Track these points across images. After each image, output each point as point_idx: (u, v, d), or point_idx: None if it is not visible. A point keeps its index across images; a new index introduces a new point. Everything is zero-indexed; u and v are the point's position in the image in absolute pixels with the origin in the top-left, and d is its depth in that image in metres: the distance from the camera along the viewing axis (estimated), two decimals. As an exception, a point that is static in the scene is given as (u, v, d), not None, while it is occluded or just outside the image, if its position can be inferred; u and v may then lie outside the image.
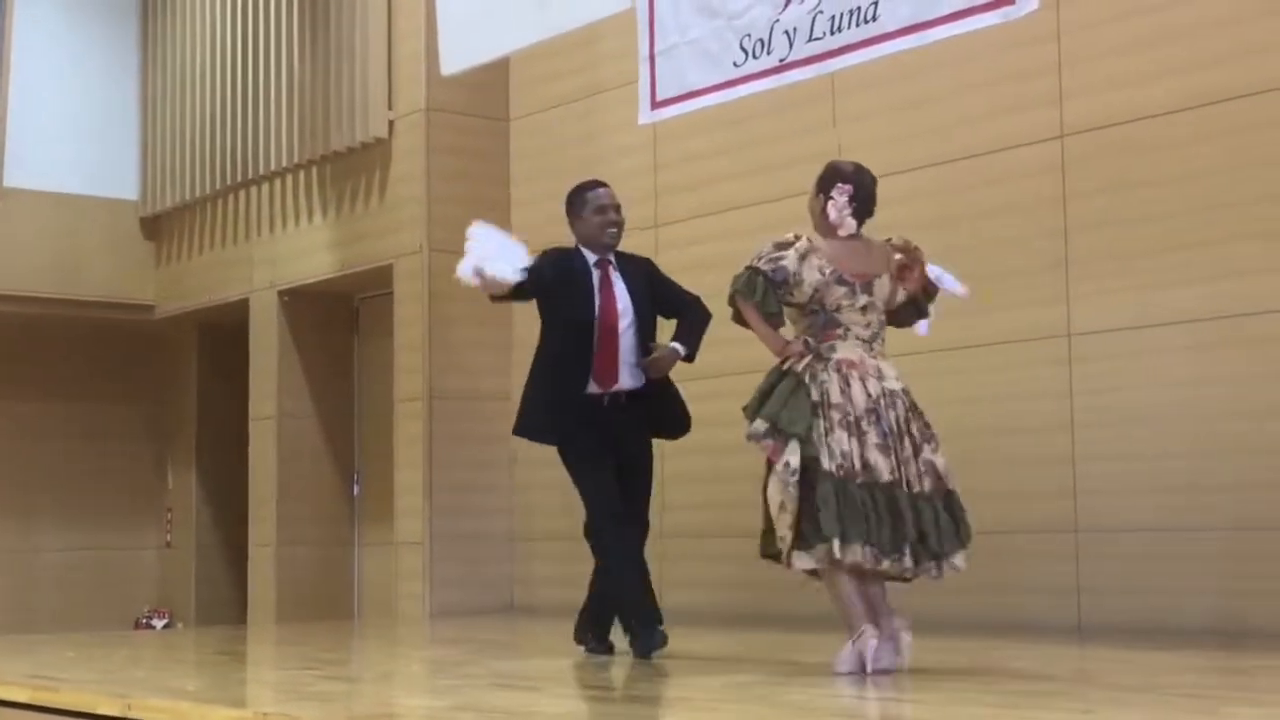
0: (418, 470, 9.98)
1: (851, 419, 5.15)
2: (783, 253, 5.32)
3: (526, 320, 9.56)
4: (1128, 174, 7.26)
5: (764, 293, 5.32)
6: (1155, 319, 7.12)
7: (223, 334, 12.42)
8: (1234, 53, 6.94)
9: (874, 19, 6.37)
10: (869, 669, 5.08)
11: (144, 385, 13.22)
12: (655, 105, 7.38)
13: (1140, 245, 7.18)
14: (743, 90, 7.04)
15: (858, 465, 5.11)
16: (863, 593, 5.18)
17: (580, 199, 6.47)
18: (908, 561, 5.13)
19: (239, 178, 11.62)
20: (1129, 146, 7.26)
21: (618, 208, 6.47)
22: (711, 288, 9.05)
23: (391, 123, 10.39)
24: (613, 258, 6.43)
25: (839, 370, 5.23)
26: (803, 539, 5.12)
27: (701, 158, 9.11)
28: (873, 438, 5.15)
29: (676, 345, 6.34)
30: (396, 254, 10.31)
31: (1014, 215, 7.71)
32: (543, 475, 9.21)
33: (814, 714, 4.45)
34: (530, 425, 6.43)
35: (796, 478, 5.10)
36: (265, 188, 11.53)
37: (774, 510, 5.20)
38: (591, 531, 6.26)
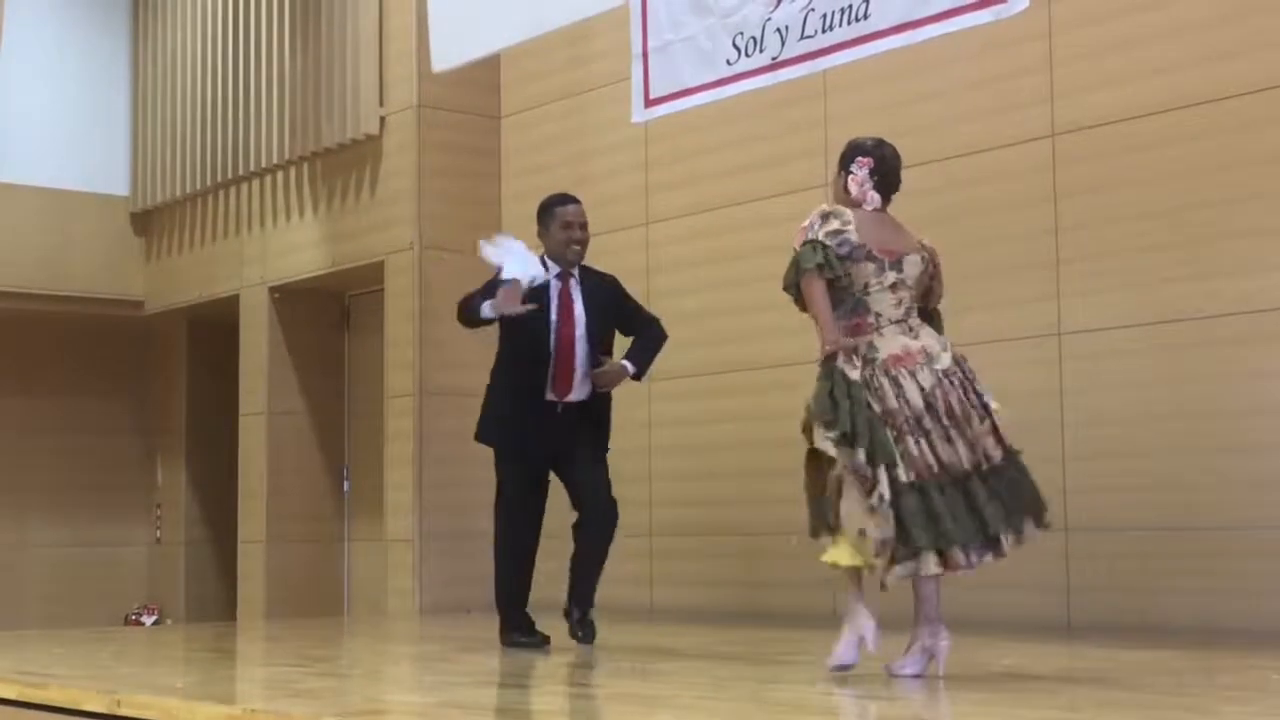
0: (408, 467, 9.97)
1: (912, 420, 4.93)
2: (839, 224, 5.04)
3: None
4: (1118, 173, 7.27)
5: (830, 264, 5.00)
6: (1145, 318, 7.13)
7: (213, 330, 12.40)
8: (1223, 52, 6.95)
9: (865, 17, 6.38)
10: (871, 647, 4.99)
11: (134, 381, 13.20)
12: (649, 103, 7.38)
13: (1130, 244, 7.20)
14: (735, 88, 7.05)
15: (934, 467, 4.92)
16: (917, 593, 5.02)
17: (549, 213, 6.59)
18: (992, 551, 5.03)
19: (230, 173, 11.60)
20: (1119, 145, 7.27)
21: (584, 225, 6.57)
22: (702, 283, 9.10)
23: (383, 119, 10.38)
24: (576, 272, 6.57)
25: (887, 372, 4.99)
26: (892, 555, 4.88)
27: (692, 155, 9.12)
28: (936, 433, 4.95)
29: (626, 363, 6.54)
30: (387, 250, 10.30)
31: (1004, 214, 7.72)
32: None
33: (803, 712, 4.46)
34: (485, 432, 6.73)
35: (887, 503, 4.83)
36: (256, 184, 11.52)
37: (852, 532, 4.92)
38: (495, 524, 6.65)
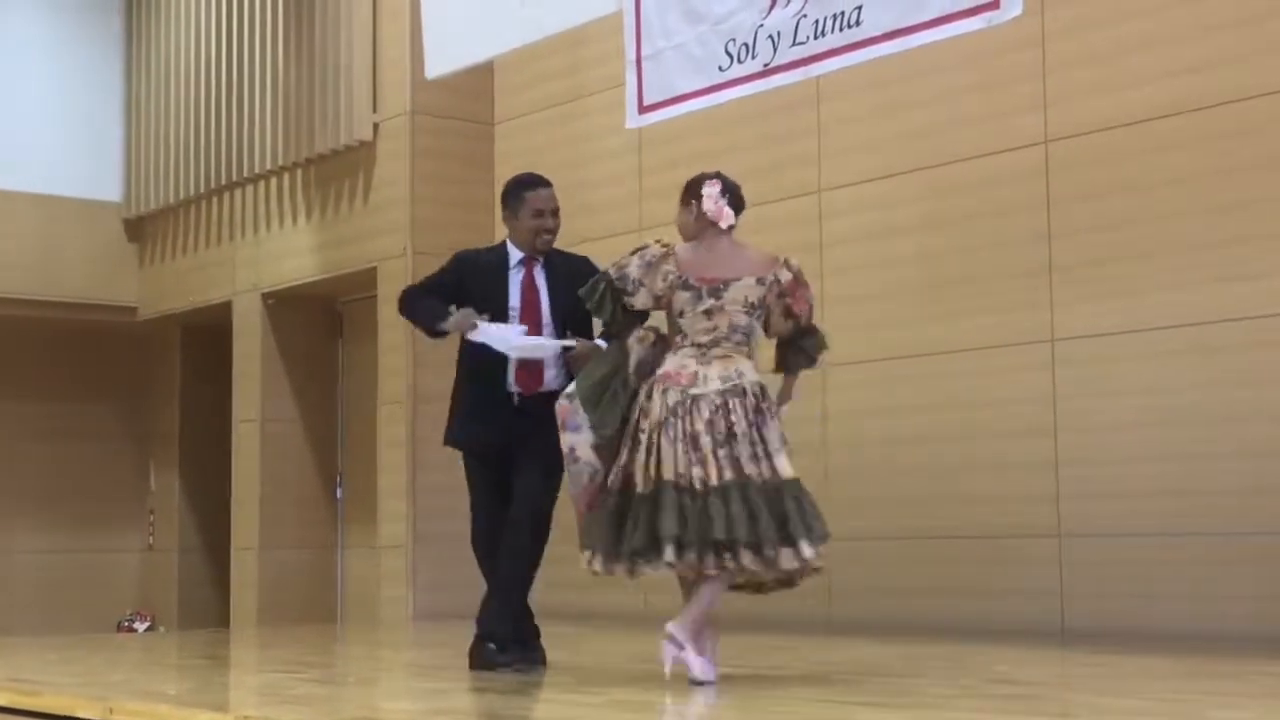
0: (401, 473, 9.97)
1: (646, 432, 5.17)
2: (630, 259, 5.38)
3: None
4: (1111, 179, 7.28)
5: (602, 298, 5.38)
6: (1138, 324, 7.14)
7: (206, 336, 12.39)
8: (1216, 59, 6.97)
9: (858, 24, 6.38)
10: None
11: (126, 388, 13.18)
12: (642, 110, 7.38)
13: (1124, 250, 7.21)
14: (728, 95, 7.04)
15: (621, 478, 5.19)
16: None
17: (518, 197, 6.00)
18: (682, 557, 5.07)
19: (223, 180, 11.60)
20: (1113, 152, 7.28)
21: (555, 211, 6.01)
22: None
23: (376, 126, 10.38)
24: (541, 257, 6.00)
25: (653, 386, 5.23)
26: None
27: (686, 162, 9.10)
28: (664, 445, 5.10)
29: (600, 342, 5.71)
30: (380, 257, 10.30)
31: (998, 220, 7.73)
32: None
33: (793, 717, 4.46)
34: (448, 432, 6.13)
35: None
36: (249, 190, 11.51)
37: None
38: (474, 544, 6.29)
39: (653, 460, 5.11)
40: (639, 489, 5.11)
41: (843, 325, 8.26)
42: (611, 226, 9.36)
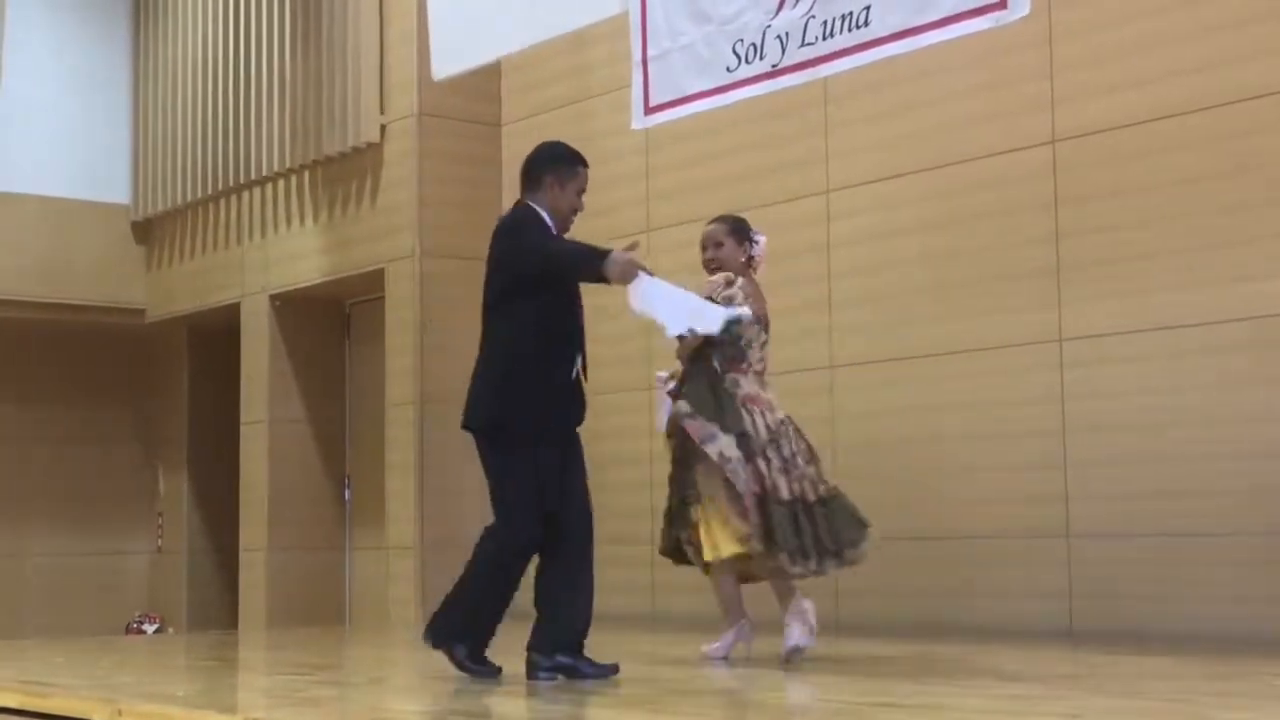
0: (409, 475, 9.97)
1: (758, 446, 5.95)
2: (736, 292, 6.06)
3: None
4: (1119, 179, 7.27)
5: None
6: (1146, 324, 7.13)
7: (214, 338, 12.41)
8: (1223, 59, 6.96)
9: (866, 24, 6.38)
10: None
11: (135, 390, 13.21)
12: (649, 110, 7.38)
13: (1131, 250, 7.20)
14: (735, 95, 7.04)
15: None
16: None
17: (573, 170, 5.64)
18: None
19: (231, 182, 11.61)
20: (1120, 152, 7.27)
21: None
22: (702, 290, 9.07)
23: (383, 127, 10.39)
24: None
25: (744, 406, 5.98)
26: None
27: (693, 162, 9.12)
28: (775, 462, 5.94)
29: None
30: (388, 259, 10.31)
31: (1005, 220, 7.72)
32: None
33: (804, 715, 4.46)
34: (530, 417, 5.48)
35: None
36: (257, 192, 11.52)
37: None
38: (505, 548, 5.60)
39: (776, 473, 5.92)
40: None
41: (850, 326, 8.28)
42: (619, 227, 9.35)
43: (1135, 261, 7.19)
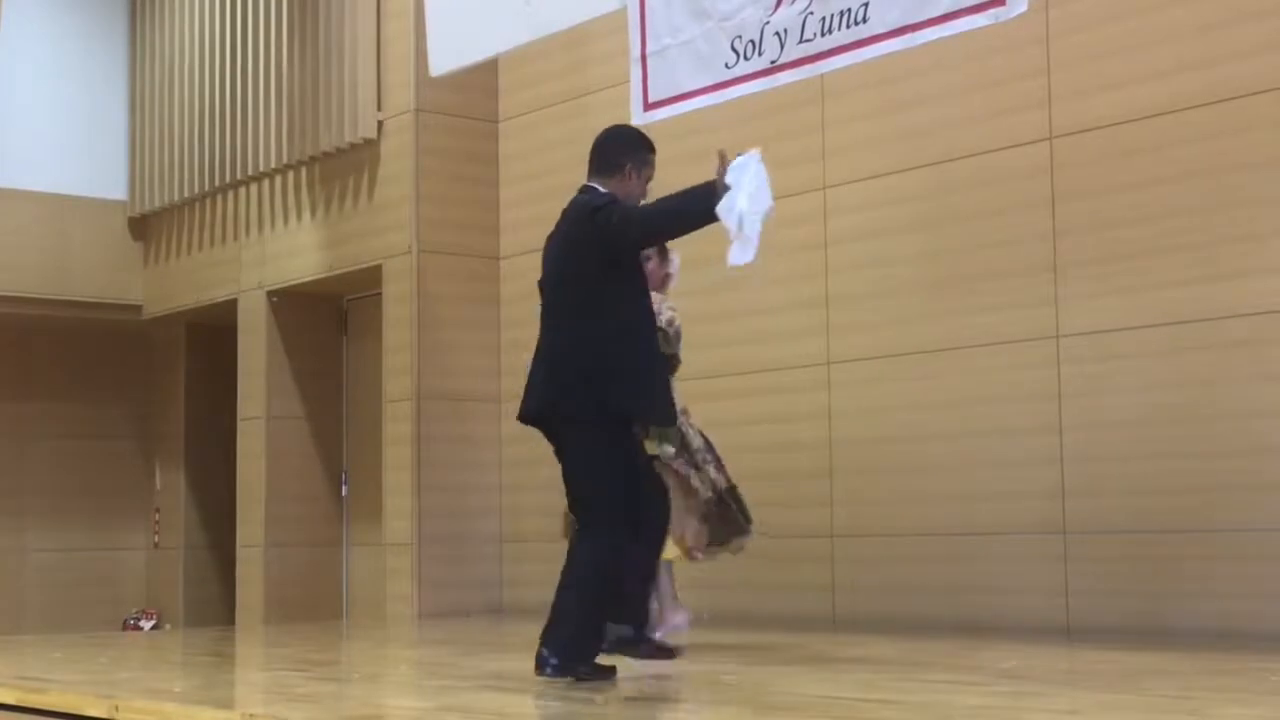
0: (406, 471, 9.97)
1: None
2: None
3: (517, 321, 9.58)
4: (1115, 176, 7.28)
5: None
6: (1143, 321, 7.13)
7: (211, 334, 12.40)
8: (1220, 56, 6.96)
9: (864, 21, 6.37)
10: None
11: (132, 386, 13.20)
12: (648, 107, 7.37)
13: (1128, 247, 7.20)
14: (734, 92, 7.03)
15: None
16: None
17: (645, 158, 5.56)
18: None
19: (228, 178, 11.60)
20: (1117, 149, 7.27)
21: None
22: (701, 286, 9.10)
23: (380, 123, 10.38)
24: None
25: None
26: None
27: (691, 159, 9.10)
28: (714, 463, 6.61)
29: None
30: (385, 255, 10.30)
31: (1002, 217, 7.72)
32: (531, 475, 9.21)
33: (801, 713, 4.46)
34: (660, 406, 5.39)
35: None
36: (254, 188, 11.52)
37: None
38: (601, 530, 5.23)
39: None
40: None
41: (847, 323, 8.28)
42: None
43: (1132, 258, 7.19)
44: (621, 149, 5.52)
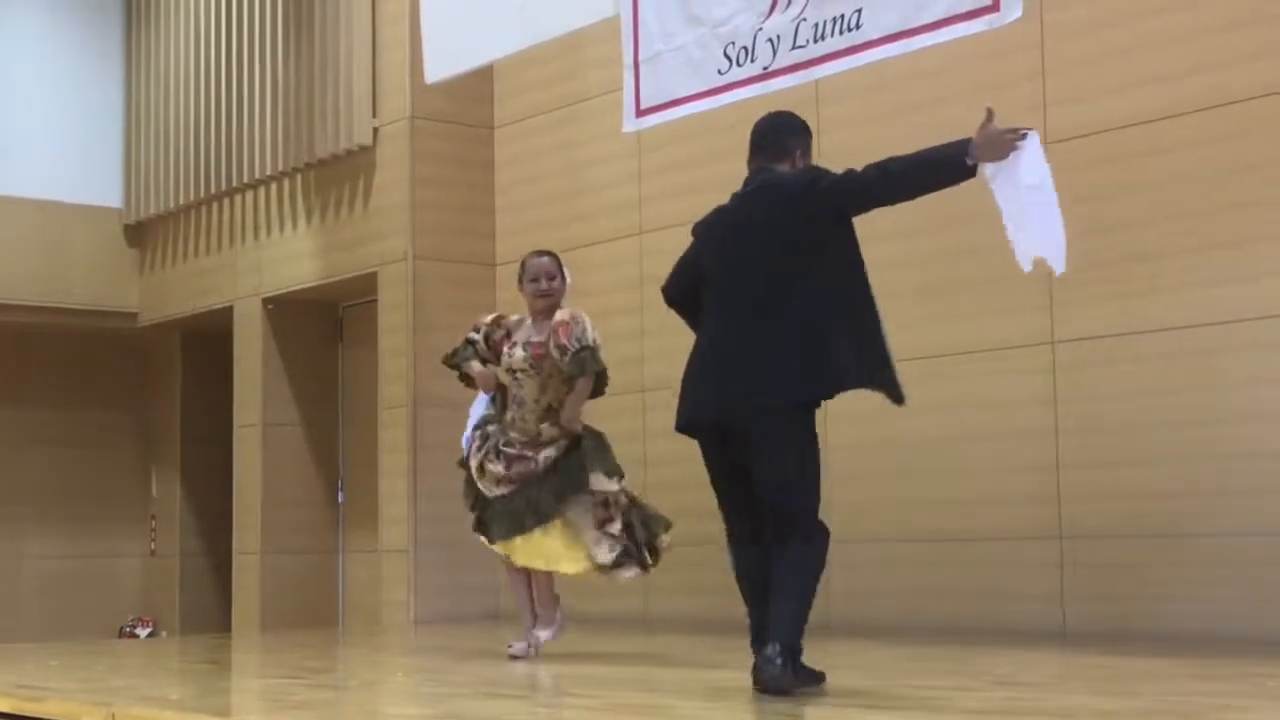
0: (402, 478, 9.97)
1: None
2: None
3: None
4: (1111, 181, 7.28)
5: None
6: (1138, 326, 7.14)
7: (207, 341, 12.40)
8: (1216, 61, 6.97)
9: (858, 27, 6.38)
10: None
11: (128, 393, 13.19)
12: (640, 113, 7.38)
13: (1124, 252, 7.21)
14: (727, 98, 7.04)
15: None
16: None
17: (808, 143, 5.58)
18: None
19: (223, 185, 11.61)
20: (1112, 154, 7.28)
21: None
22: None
23: (376, 130, 10.39)
24: None
25: None
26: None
27: (685, 165, 9.12)
28: None
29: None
30: (381, 261, 10.31)
31: (995, 222, 7.71)
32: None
33: (797, 716, 4.47)
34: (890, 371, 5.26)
35: None
36: (249, 195, 11.52)
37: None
38: (813, 526, 4.97)
39: None
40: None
41: (843, 328, 8.27)
42: (612, 230, 9.37)
43: (1128, 263, 7.20)
44: (792, 134, 5.46)
